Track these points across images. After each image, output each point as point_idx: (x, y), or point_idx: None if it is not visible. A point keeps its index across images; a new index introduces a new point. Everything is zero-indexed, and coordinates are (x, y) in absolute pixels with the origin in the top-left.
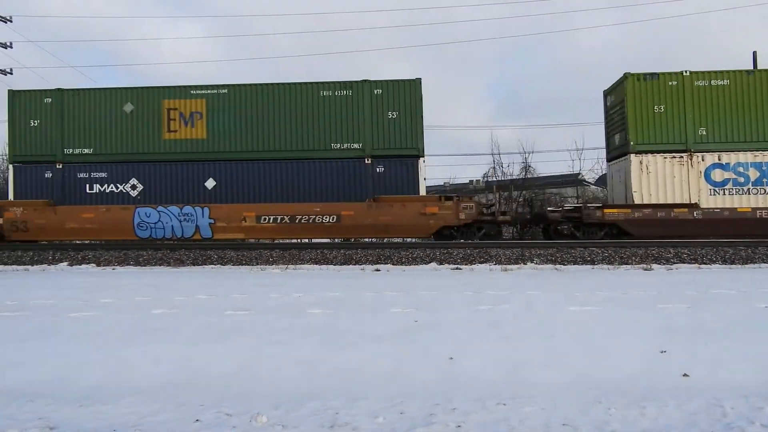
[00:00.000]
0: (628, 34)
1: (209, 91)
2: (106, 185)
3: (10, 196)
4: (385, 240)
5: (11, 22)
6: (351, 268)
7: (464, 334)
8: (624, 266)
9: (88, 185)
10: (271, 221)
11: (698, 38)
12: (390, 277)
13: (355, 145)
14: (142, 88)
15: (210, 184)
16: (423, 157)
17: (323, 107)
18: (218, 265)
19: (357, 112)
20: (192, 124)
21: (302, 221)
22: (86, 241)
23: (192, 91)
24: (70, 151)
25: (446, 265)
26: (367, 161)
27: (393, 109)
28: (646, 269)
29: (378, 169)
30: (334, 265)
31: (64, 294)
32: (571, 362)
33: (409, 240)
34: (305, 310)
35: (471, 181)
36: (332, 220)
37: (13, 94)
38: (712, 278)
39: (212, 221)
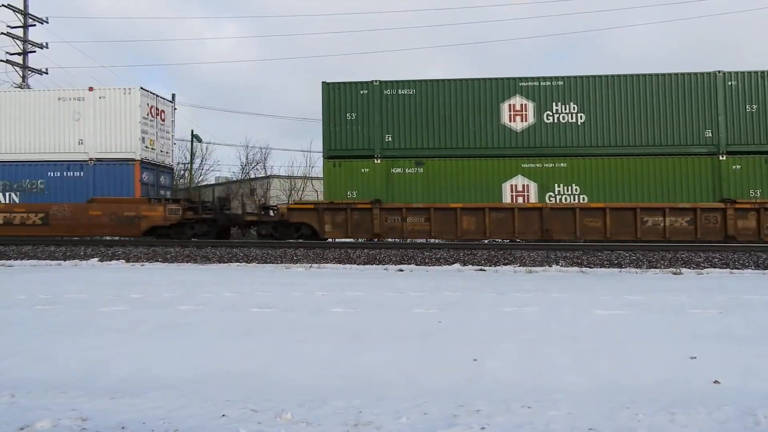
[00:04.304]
0: (665, 33)
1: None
2: None
3: None
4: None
5: (47, 23)
6: (374, 267)
7: (488, 336)
8: (652, 270)
9: None
10: None
11: (726, 38)
12: (413, 277)
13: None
14: None
15: None
16: None
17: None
18: (244, 263)
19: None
20: None
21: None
22: (116, 238)
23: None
24: None
25: (470, 266)
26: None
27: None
28: (675, 273)
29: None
30: (358, 264)
31: (94, 289)
32: (598, 366)
33: (433, 241)
34: (328, 309)
35: None
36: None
37: None
38: (744, 284)
39: None
